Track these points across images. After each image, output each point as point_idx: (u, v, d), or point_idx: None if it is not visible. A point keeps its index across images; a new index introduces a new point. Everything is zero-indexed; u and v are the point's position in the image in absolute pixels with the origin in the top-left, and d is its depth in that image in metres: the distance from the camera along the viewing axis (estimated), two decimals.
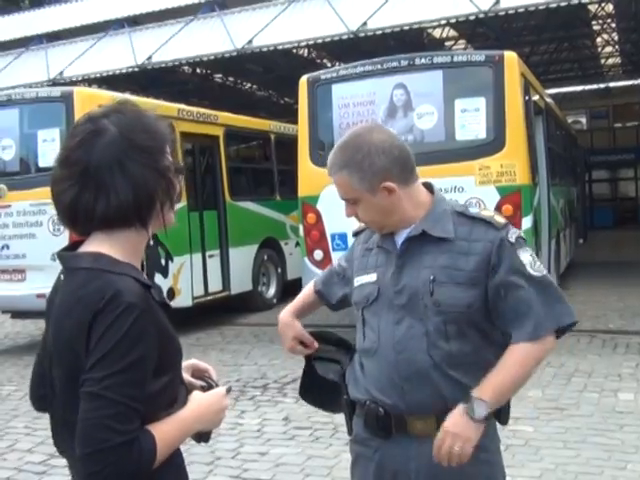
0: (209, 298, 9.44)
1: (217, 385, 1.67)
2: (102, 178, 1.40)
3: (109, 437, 1.29)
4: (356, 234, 2.17)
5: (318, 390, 2.18)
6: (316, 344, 2.16)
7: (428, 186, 2.00)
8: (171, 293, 8.55)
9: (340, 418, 2.10)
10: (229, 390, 1.63)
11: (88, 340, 1.35)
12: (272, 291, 10.94)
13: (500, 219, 1.90)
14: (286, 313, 2.24)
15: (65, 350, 1.40)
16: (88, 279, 1.39)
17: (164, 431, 1.40)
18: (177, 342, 1.51)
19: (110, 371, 1.32)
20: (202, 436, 1.61)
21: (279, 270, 11.05)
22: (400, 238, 1.94)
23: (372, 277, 1.97)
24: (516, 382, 1.85)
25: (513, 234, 1.86)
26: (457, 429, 1.79)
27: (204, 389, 1.63)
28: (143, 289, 1.40)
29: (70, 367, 1.39)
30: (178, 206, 7.91)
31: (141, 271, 1.48)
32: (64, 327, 1.40)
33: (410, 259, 1.90)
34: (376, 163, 1.85)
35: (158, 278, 8.33)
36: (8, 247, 7.74)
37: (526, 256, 1.85)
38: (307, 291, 2.29)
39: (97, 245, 1.44)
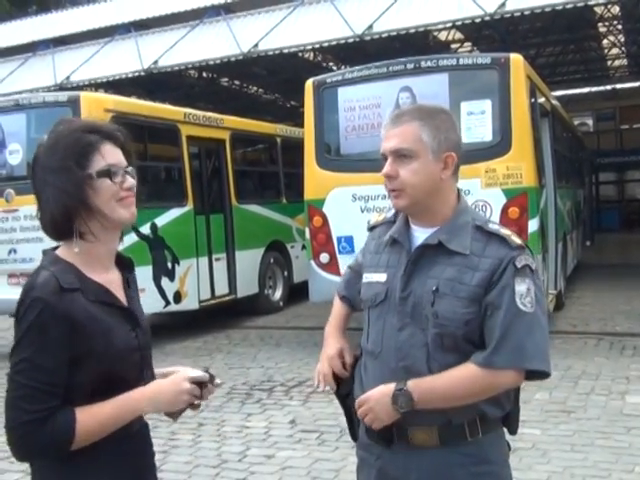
0: (215, 301, 9.45)
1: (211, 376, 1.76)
2: (39, 199, 1.66)
3: (17, 415, 1.51)
4: (372, 228, 2.12)
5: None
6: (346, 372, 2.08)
7: (457, 191, 1.97)
8: (177, 296, 8.58)
9: (346, 422, 2.10)
10: (201, 380, 1.68)
11: None
12: (278, 294, 10.95)
13: (517, 240, 1.84)
14: (330, 327, 2.19)
15: None
16: (33, 273, 1.63)
17: (95, 411, 1.56)
18: (115, 341, 1.63)
19: (20, 357, 1.53)
20: (172, 414, 1.74)
21: (285, 273, 11.06)
22: (417, 235, 1.91)
23: (382, 277, 1.94)
24: (448, 397, 1.80)
25: (522, 260, 1.81)
26: (376, 405, 1.84)
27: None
28: (59, 288, 1.56)
29: None
30: (184, 209, 7.92)
31: (78, 271, 1.63)
32: None
33: (420, 267, 1.87)
34: (451, 132, 1.88)
35: (164, 281, 8.35)
36: (16, 251, 7.77)
37: (522, 287, 1.79)
38: (335, 303, 2.24)
39: (61, 247, 1.68)
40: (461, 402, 1.81)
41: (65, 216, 1.62)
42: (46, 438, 1.52)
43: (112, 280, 1.71)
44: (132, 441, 1.70)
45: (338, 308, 2.22)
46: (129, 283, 1.78)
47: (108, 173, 1.65)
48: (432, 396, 1.80)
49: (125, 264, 1.79)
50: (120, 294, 1.72)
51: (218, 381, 1.76)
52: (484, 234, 1.85)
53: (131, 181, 1.69)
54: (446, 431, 1.82)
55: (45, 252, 1.70)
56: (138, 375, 1.69)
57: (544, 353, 1.81)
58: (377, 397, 1.84)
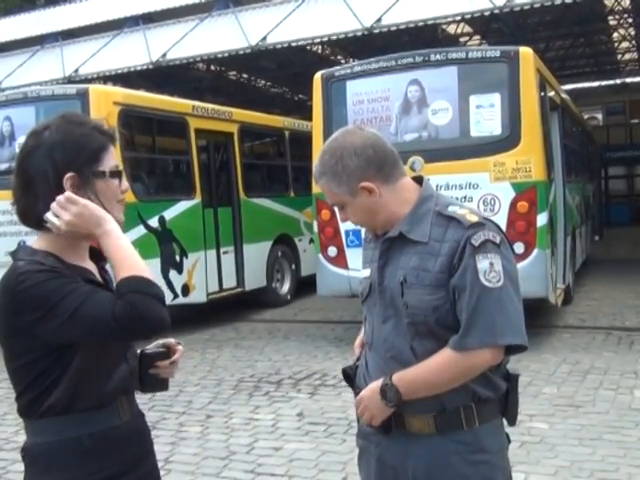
0: (223, 294, 9.47)
1: (170, 350, 1.86)
2: (37, 188, 1.67)
3: (104, 311, 1.55)
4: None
5: None
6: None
7: (420, 181, 1.98)
8: (186, 289, 8.59)
9: (355, 414, 2.11)
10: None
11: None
12: (286, 287, 10.97)
13: (472, 218, 1.83)
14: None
15: None
16: (9, 268, 1.66)
17: (117, 265, 1.62)
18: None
19: (59, 299, 1.57)
20: (156, 386, 1.83)
21: (293, 266, 11.07)
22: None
23: (367, 272, 2.01)
24: (430, 385, 1.83)
25: (481, 236, 1.79)
26: (369, 403, 1.89)
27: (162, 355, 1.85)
28: (43, 267, 1.61)
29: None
30: (193, 202, 7.91)
31: (58, 257, 1.67)
32: None
33: (391, 259, 1.92)
34: (349, 165, 1.86)
35: (173, 274, 8.37)
36: (25, 243, 7.79)
37: (484, 263, 1.77)
38: None
39: (37, 239, 1.74)
40: (445, 388, 1.83)
41: None
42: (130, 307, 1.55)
43: (90, 267, 1.77)
44: (121, 430, 1.73)
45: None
46: (104, 271, 1.84)
47: (119, 174, 1.74)
48: (416, 386, 1.84)
49: (96, 255, 1.83)
50: (99, 278, 1.79)
51: (175, 356, 1.85)
52: (444, 219, 1.86)
53: (127, 184, 1.78)
54: (442, 418, 1.85)
55: (15, 250, 1.72)
56: (121, 354, 1.76)
57: (516, 326, 1.80)
58: (369, 395, 1.89)
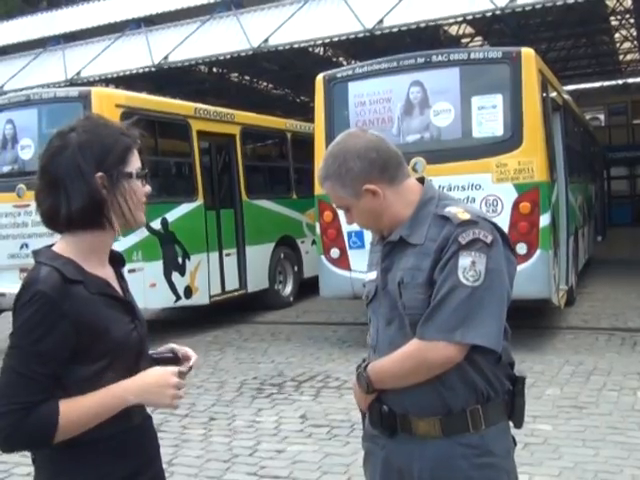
0: (226, 296, 9.47)
1: (178, 357, 1.82)
2: (65, 187, 1.64)
3: (1, 404, 1.52)
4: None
5: None
6: None
7: (423, 182, 1.98)
8: (188, 291, 8.59)
9: (358, 416, 2.11)
10: (185, 372, 1.73)
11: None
12: (288, 289, 10.96)
13: (464, 216, 1.81)
14: None
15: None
16: (32, 269, 1.64)
17: (80, 404, 1.57)
18: (116, 333, 1.66)
19: (15, 344, 1.55)
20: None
21: (295, 268, 11.07)
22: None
23: (373, 275, 2.01)
24: (393, 375, 1.86)
25: (470, 234, 1.77)
26: (355, 389, 1.99)
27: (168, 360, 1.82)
28: (62, 281, 1.58)
29: None
30: (195, 204, 7.91)
31: (78, 266, 1.64)
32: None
33: (392, 262, 1.92)
34: (353, 168, 1.87)
35: (175, 276, 8.37)
36: (27, 246, 7.79)
37: (466, 260, 1.76)
38: None
39: (58, 242, 1.70)
40: (409, 380, 1.83)
41: (99, 205, 1.65)
42: (27, 430, 1.52)
43: (108, 274, 1.74)
44: (133, 433, 1.72)
45: None
46: (121, 279, 1.82)
47: (145, 176, 1.74)
48: (383, 375, 1.88)
49: (116, 259, 1.81)
50: (117, 287, 1.76)
51: (187, 365, 1.80)
52: (441, 219, 1.85)
53: (149, 187, 1.77)
54: (448, 421, 1.84)
55: (37, 251, 1.69)
56: (134, 366, 1.70)
57: (484, 327, 1.76)
58: (354, 381, 1.98)
